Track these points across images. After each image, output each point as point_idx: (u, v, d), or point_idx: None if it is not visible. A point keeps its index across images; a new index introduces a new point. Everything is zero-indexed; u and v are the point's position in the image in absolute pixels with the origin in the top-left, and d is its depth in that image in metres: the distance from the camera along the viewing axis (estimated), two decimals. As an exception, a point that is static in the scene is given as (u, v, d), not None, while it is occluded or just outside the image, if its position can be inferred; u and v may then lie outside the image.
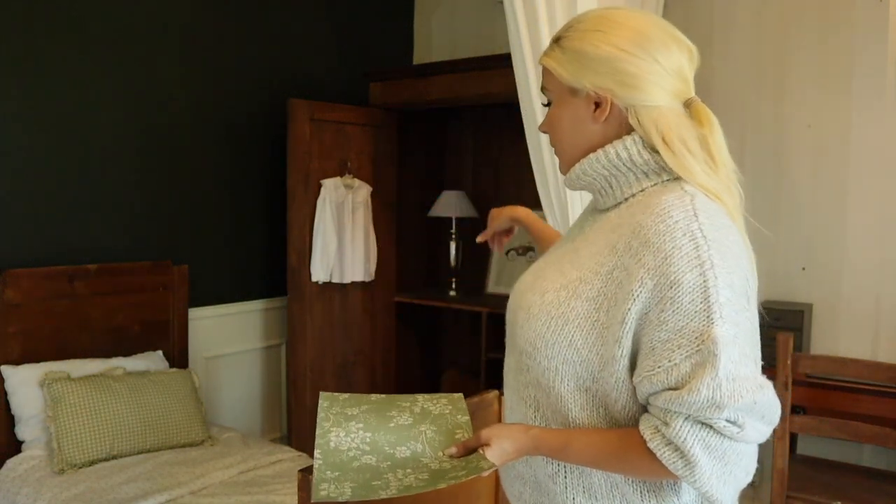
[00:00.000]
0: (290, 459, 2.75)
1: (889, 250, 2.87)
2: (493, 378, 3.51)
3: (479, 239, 1.60)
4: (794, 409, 2.53)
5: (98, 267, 2.91)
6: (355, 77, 3.84)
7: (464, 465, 1.07)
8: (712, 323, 0.95)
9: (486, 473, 1.05)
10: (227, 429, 3.03)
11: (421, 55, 4.27)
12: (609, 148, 1.10)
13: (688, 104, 1.10)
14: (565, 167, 1.19)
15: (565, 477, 1.11)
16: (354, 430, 1.13)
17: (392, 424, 1.14)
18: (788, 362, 2.42)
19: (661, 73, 1.06)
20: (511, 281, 3.84)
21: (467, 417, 1.15)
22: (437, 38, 4.23)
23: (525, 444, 1.09)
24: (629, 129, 1.09)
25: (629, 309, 0.99)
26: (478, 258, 4.06)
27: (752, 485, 2.91)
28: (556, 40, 1.14)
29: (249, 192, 3.54)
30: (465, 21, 4.11)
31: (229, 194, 3.45)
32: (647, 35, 1.07)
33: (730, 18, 3.16)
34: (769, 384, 0.99)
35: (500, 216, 1.58)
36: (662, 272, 0.98)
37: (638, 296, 0.99)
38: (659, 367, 0.97)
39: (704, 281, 0.96)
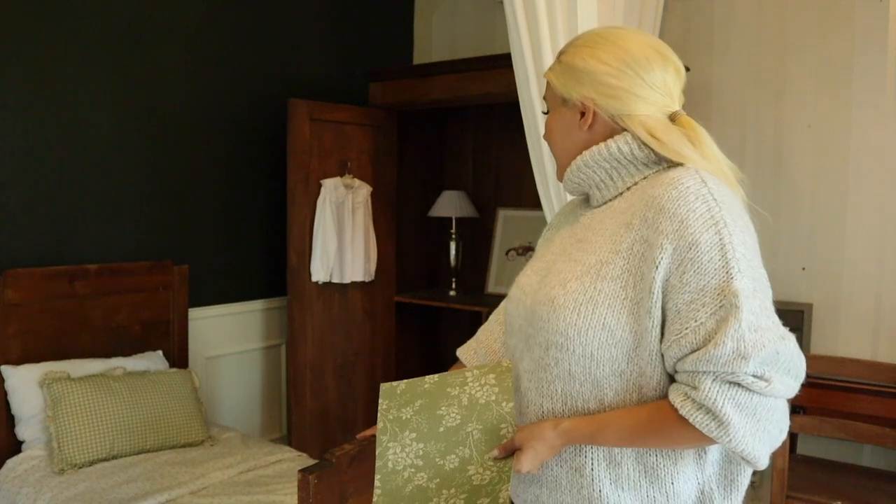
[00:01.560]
0: (290, 459, 2.74)
1: (889, 250, 2.87)
2: (493, 378, 3.51)
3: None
4: (794, 409, 2.53)
5: (98, 267, 2.91)
6: (355, 77, 3.84)
7: (499, 476, 1.11)
8: (731, 278, 0.98)
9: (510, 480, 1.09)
10: (227, 429, 3.03)
11: (421, 55, 4.27)
12: (610, 142, 1.15)
13: (672, 117, 1.16)
14: (561, 172, 1.25)
15: (592, 469, 1.11)
16: (409, 443, 1.17)
17: (442, 429, 1.17)
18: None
19: (643, 87, 1.14)
20: (511, 281, 3.84)
21: (512, 404, 1.17)
22: (437, 38, 4.23)
23: (557, 440, 1.10)
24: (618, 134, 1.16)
25: (654, 278, 1.02)
26: (478, 258, 4.06)
27: (752, 485, 2.92)
28: (558, 56, 1.23)
29: (249, 192, 3.54)
30: (465, 21, 4.11)
31: (229, 194, 3.45)
32: (633, 54, 1.14)
33: (730, 18, 3.16)
34: (791, 336, 1.01)
35: None
36: (680, 235, 1.01)
37: (660, 262, 1.02)
38: (686, 328, 1.00)
39: (720, 239, 1.00)
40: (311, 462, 2.30)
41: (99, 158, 2.97)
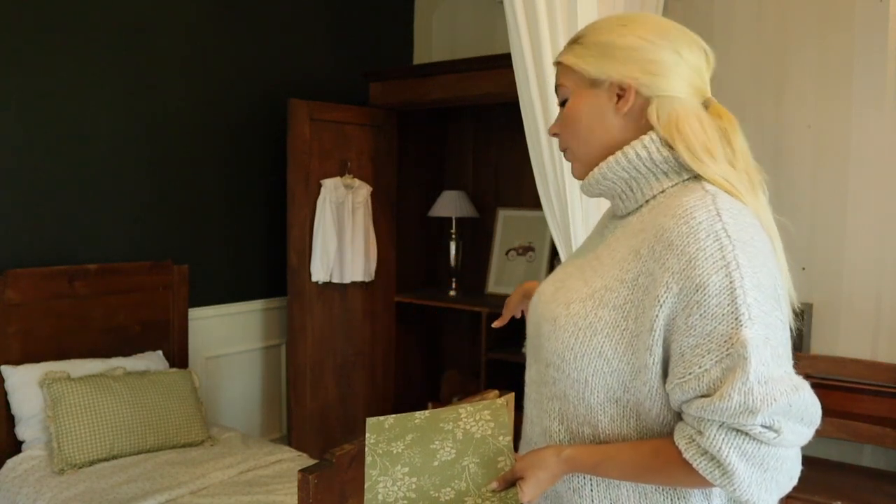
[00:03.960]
0: (290, 459, 2.74)
1: (889, 250, 2.87)
2: (493, 378, 3.51)
3: (495, 325, 1.51)
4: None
5: (98, 267, 2.91)
6: (355, 77, 3.84)
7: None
8: (741, 325, 0.92)
9: None
10: (227, 429, 3.03)
11: (421, 55, 4.27)
12: (628, 149, 1.08)
13: (706, 104, 1.10)
14: (582, 169, 1.15)
15: (591, 490, 1.09)
16: (401, 476, 1.14)
17: (436, 463, 1.14)
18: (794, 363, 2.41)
19: (682, 65, 1.07)
20: (511, 280, 3.87)
21: (509, 438, 1.14)
22: (437, 38, 4.23)
23: (559, 468, 1.07)
24: (646, 128, 1.08)
25: (657, 315, 0.97)
26: (478, 258, 4.06)
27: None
28: (574, 40, 1.14)
29: (249, 192, 3.54)
30: (465, 21, 4.11)
31: (229, 194, 3.45)
32: (668, 30, 1.09)
33: (730, 18, 3.16)
34: (805, 384, 0.97)
35: (512, 299, 1.50)
36: (687, 275, 0.95)
37: (664, 301, 0.97)
38: (690, 373, 0.95)
39: (731, 282, 0.94)
40: (311, 462, 2.30)
41: (99, 158, 2.97)
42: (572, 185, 2.48)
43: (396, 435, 1.18)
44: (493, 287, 3.91)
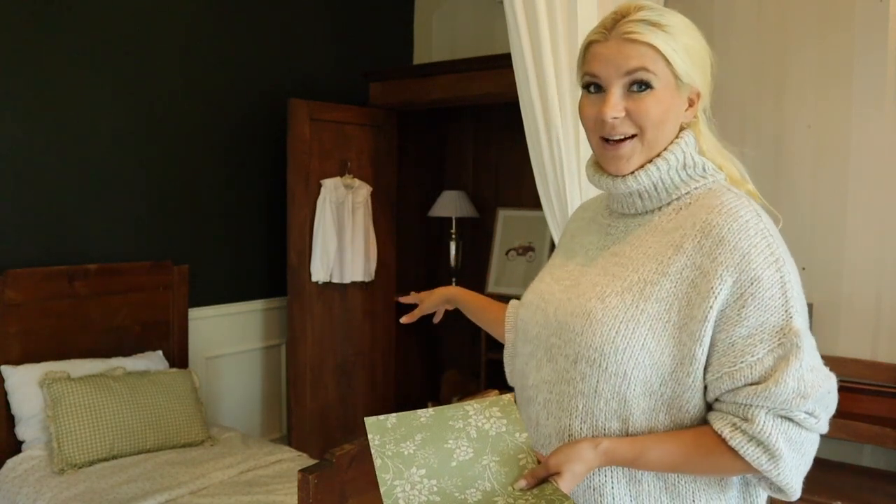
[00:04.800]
0: (290, 459, 2.74)
1: (889, 250, 2.87)
2: (493, 378, 3.51)
3: (403, 320, 1.55)
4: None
5: (98, 267, 2.91)
6: (355, 77, 3.84)
7: (539, 501, 1.03)
8: (791, 317, 0.99)
9: None
10: (227, 429, 3.03)
11: (421, 55, 4.27)
12: (668, 154, 1.09)
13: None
14: (638, 162, 1.09)
15: (612, 487, 1.08)
16: (418, 479, 1.08)
17: (454, 463, 1.09)
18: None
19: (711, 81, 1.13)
20: (511, 280, 3.87)
21: (526, 434, 1.11)
22: (437, 38, 4.23)
23: (596, 461, 1.04)
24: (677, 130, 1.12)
25: (711, 306, 1.00)
26: (478, 258, 4.06)
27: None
28: (657, 25, 1.05)
29: (249, 192, 3.54)
30: (465, 21, 4.11)
31: (229, 194, 3.45)
32: (708, 48, 1.13)
33: (730, 18, 3.16)
34: (833, 375, 1.04)
35: (430, 299, 1.56)
36: (742, 269, 1.00)
37: (719, 293, 1.00)
38: (742, 362, 0.99)
39: (781, 277, 1.00)
40: (311, 462, 2.30)
41: (99, 158, 2.97)
42: (572, 185, 2.48)
43: (403, 435, 1.12)
44: (493, 287, 3.91)
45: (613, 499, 1.08)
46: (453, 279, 3.89)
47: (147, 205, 3.14)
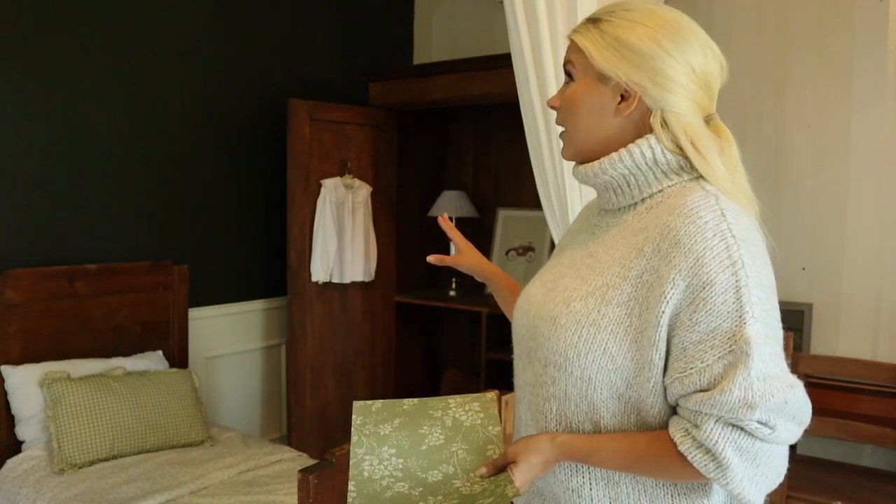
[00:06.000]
0: (290, 459, 2.74)
1: (889, 250, 2.87)
2: (493, 378, 3.51)
3: (430, 259, 1.47)
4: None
5: (98, 267, 2.91)
6: (355, 77, 3.84)
7: (492, 488, 1.06)
8: (744, 323, 0.95)
9: (511, 497, 1.03)
10: (227, 429, 3.03)
11: (421, 55, 4.27)
12: (633, 147, 1.07)
13: (708, 119, 1.09)
14: (573, 152, 1.15)
15: (591, 489, 1.09)
16: (387, 457, 1.14)
17: (424, 447, 1.14)
18: (788, 362, 2.41)
19: (692, 81, 1.06)
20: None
21: (499, 428, 1.15)
22: (437, 38, 4.23)
23: (552, 454, 1.06)
24: (646, 129, 1.07)
25: (662, 311, 0.98)
26: (478, 258, 4.06)
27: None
28: (594, 21, 1.09)
29: (249, 191, 3.54)
30: (465, 21, 4.11)
31: (229, 194, 3.45)
32: (688, 39, 1.06)
33: (730, 18, 3.16)
34: (799, 384, 0.99)
35: (468, 259, 1.46)
36: (694, 273, 0.97)
37: (670, 298, 0.98)
38: (691, 368, 0.97)
39: (736, 281, 0.96)
40: (311, 462, 2.30)
41: (98, 158, 2.97)
42: (572, 185, 2.48)
43: (384, 418, 1.19)
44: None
45: (591, 500, 1.09)
46: (453, 279, 3.89)
47: (147, 205, 3.14)
